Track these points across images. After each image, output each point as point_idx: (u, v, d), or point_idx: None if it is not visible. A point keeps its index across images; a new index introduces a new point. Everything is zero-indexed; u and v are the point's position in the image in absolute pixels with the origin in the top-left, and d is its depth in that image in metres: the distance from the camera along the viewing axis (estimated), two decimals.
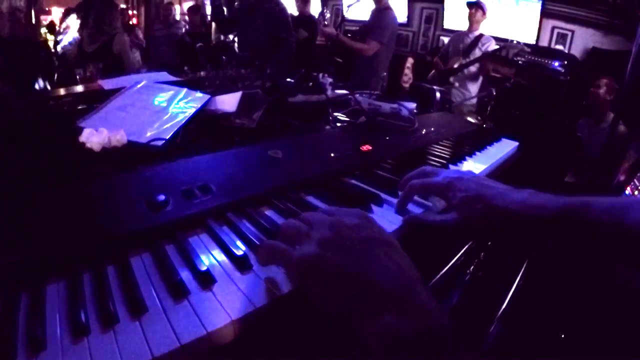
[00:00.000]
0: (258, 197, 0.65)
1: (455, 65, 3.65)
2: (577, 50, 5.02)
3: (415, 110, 1.52)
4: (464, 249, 0.89)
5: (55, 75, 2.43)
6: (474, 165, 1.11)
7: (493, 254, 0.95)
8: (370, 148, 0.97)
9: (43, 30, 4.65)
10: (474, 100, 3.44)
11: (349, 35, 3.63)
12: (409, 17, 6.77)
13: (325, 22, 3.10)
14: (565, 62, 4.06)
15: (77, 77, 1.58)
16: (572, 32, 5.10)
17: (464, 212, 0.60)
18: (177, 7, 9.13)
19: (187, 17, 6.21)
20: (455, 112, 3.24)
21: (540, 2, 5.05)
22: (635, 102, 2.80)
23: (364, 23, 3.41)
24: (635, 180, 2.10)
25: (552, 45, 5.21)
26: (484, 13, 3.71)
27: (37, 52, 2.26)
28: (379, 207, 0.69)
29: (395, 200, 0.72)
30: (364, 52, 3.12)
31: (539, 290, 1.02)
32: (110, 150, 0.88)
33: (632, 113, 3.06)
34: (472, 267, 0.94)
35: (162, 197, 0.59)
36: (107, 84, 1.41)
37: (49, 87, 2.23)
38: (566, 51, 4.99)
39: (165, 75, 1.64)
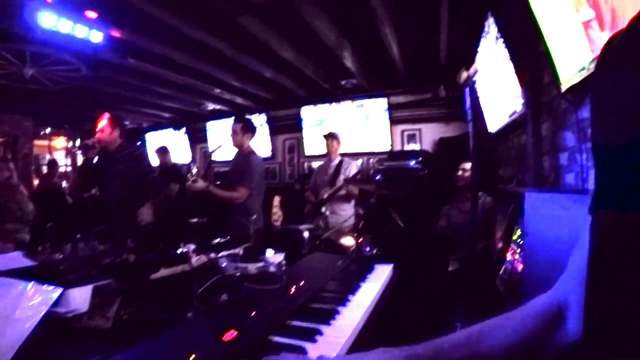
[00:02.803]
0: None
1: (325, 196, 3.89)
2: (427, 144, 5.93)
3: (283, 262, 1.55)
4: None
5: None
6: (351, 314, 1.15)
7: None
8: (236, 334, 0.92)
9: None
10: (351, 220, 3.54)
11: (219, 182, 3.74)
12: (273, 150, 7.31)
13: (194, 177, 3.16)
14: (420, 158, 4.67)
15: None
16: (419, 130, 6.07)
17: None
18: (47, 156, 8.52)
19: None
20: (333, 235, 3.39)
21: (387, 112, 5.95)
22: (486, 171, 3.17)
23: (231, 168, 3.49)
24: (512, 244, 2.30)
25: (405, 147, 6.06)
26: (338, 142, 4.11)
27: None
28: None
29: None
30: (235, 199, 3.17)
31: None
32: None
33: (488, 181, 3.47)
34: None
35: None
36: None
37: None
38: (418, 148, 5.83)
39: (18, 258, 1.52)
